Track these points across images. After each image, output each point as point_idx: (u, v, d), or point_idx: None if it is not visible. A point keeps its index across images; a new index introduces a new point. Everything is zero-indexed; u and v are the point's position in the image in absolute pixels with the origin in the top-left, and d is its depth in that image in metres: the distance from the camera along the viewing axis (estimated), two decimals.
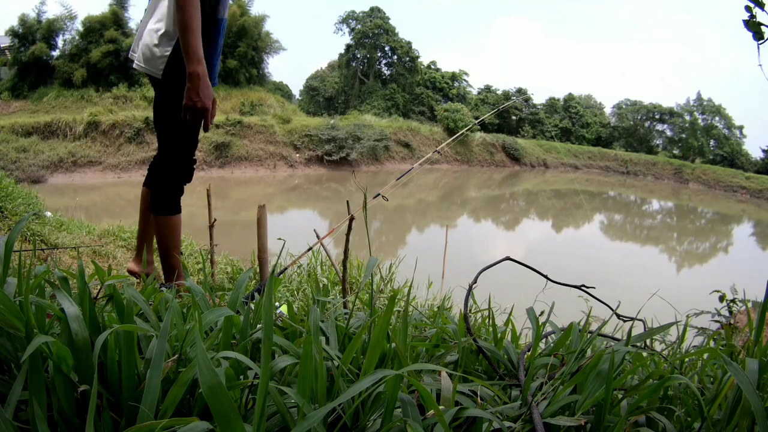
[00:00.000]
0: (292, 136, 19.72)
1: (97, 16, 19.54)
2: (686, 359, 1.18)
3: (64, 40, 19.82)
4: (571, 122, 33.72)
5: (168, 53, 1.88)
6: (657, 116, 34.62)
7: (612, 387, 0.74)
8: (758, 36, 1.32)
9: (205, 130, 1.85)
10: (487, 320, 1.45)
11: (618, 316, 1.35)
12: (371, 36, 30.75)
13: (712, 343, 1.40)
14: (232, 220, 11.24)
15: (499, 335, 1.12)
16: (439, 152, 2.88)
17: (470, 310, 1.43)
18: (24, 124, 15.73)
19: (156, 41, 1.90)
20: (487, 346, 1.01)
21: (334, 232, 2.32)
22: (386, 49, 30.96)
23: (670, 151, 34.58)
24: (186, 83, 1.75)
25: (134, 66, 2.00)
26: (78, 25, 19.71)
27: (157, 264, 2.20)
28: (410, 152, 22.81)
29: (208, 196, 2.36)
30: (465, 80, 34.11)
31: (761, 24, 1.31)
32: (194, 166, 2.12)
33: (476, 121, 3.34)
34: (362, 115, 24.87)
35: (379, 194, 2.50)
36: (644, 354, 1.10)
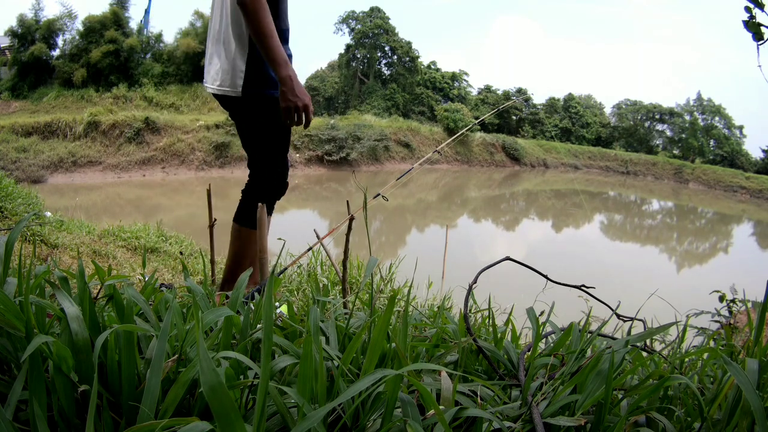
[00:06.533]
0: (292, 136, 19.69)
1: (98, 16, 19.53)
2: (686, 359, 1.18)
3: (64, 40, 19.82)
4: (571, 122, 33.71)
5: (243, 69, 1.89)
6: (657, 116, 34.62)
7: (612, 387, 0.74)
8: (758, 37, 1.32)
9: (306, 126, 1.85)
10: (487, 320, 1.45)
11: (618, 316, 1.35)
12: (371, 36, 30.73)
13: (712, 343, 1.40)
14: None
15: (499, 335, 1.12)
16: (439, 152, 2.88)
17: (470, 310, 1.43)
18: (24, 124, 15.72)
19: (227, 61, 1.92)
20: (487, 346, 1.01)
21: (334, 232, 2.32)
22: (386, 49, 30.94)
23: (670, 151, 34.58)
24: (280, 87, 1.76)
25: (210, 92, 2.02)
26: (78, 25, 19.73)
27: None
28: (410, 152, 22.80)
29: (209, 195, 2.36)
30: (465, 80, 34.08)
31: (761, 25, 1.31)
32: (287, 180, 2.16)
33: (476, 121, 3.34)
34: (362, 115, 24.85)
35: (379, 194, 2.50)
36: (644, 354, 1.10)
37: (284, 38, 1.97)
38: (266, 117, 1.96)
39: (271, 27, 1.72)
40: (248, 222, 2.06)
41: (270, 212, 2.18)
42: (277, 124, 1.99)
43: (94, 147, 15.83)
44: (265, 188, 2.09)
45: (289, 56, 2.01)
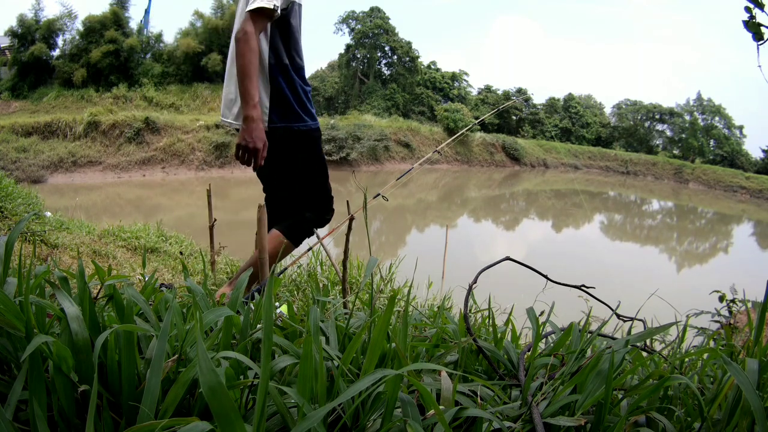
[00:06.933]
0: None
1: (98, 16, 19.53)
2: (686, 359, 1.18)
3: (64, 40, 19.83)
4: (571, 122, 33.71)
5: (267, 105, 1.95)
6: (657, 116, 34.62)
7: (612, 387, 0.74)
8: (758, 37, 1.32)
9: (255, 169, 1.92)
10: (487, 320, 1.45)
11: (618, 316, 1.35)
12: (371, 36, 30.72)
13: (712, 343, 1.40)
14: (232, 220, 11.24)
15: (499, 335, 1.12)
16: (439, 152, 2.88)
17: (470, 310, 1.43)
18: (24, 124, 15.72)
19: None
20: (487, 346, 1.01)
21: (334, 232, 2.32)
22: (386, 49, 30.93)
23: (670, 151, 34.58)
24: (241, 124, 1.83)
25: (231, 127, 2.06)
26: (78, 25, 19.74)
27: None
28: (410, 152, 22.80)
29: (209, 196, 2.36)
30: (465, 80, 34.07)
31: (761, 25, 1.31)
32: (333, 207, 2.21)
33: (476, 121, 3.34)
34: (362, 115, 24.84)
35: (379, 194, 2.50)
36: (644, 354, 1.10)
37: (300, 75, 2.04)
38: (298, 148, 2.01)
39: (254, 69, 1.80)
40: (290, 236, 2.11)
41: (309, 235, 2.22)
42: (309, 153, 2.06)
43: (94, 147, 15.83)
44: (317, 215, 2.14)
45: (309, 90, 2.08)
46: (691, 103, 33.78)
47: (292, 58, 1.99)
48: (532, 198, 20.80)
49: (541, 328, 1.08)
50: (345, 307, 1.46)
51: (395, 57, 30.97)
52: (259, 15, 1.80)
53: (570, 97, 34.63)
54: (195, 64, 20.08)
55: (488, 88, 33.98)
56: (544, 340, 1.25)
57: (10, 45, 19.85)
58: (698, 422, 0.81)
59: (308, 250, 2.35)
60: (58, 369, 0.65)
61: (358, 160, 20.51)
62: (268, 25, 1.91)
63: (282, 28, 1.95)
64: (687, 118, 33.32)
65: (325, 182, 2.16)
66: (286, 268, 2.28)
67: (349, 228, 1.63)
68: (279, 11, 1.84)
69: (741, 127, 33.63)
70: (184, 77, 20.36)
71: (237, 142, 1.84)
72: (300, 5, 2.03)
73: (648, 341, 1.21)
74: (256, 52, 1.80)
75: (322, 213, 2.16)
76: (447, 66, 53.67)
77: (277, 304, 1.52)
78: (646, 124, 35.17)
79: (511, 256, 1.35)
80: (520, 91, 33.81)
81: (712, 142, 33.10)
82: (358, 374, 0.78)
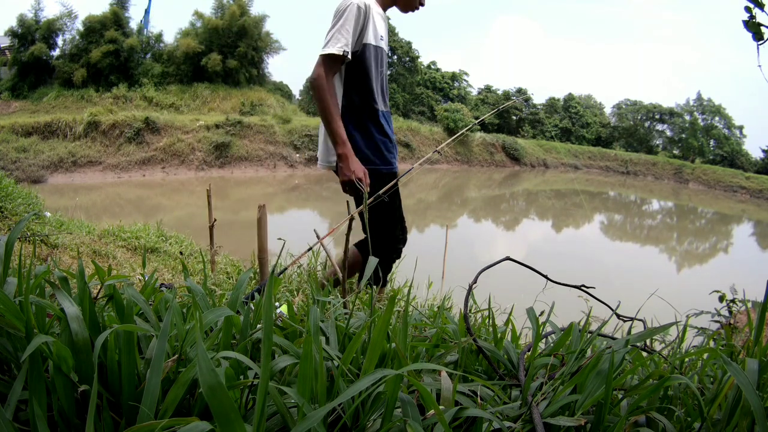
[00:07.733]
0: (292, 136, 19.70)
1: (98, 16, 19.55)
2: (686, 359, 1.18)
3: (64, 40, 19.85)
4: (571, 122, 33.72)
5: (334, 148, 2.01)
6: (657, 116, 34.65)
7: (612, 387, 0.74)
8: (758, 37, 1.32)
9: (363, 194, 1.98)
10: (487, 320, 1.45)
11: (618, 316, 1.35)
12: None
13: (711, 343, 1.41)
14: (232, 220, 11.23)
15: (499, 335, 1.12)
16: (439, 152, 2.87)
17: (470, 310, 1.43)
18: (24, 124, 15.72)
19: (323, 141, 2.08)
20: (487, 346, 1.01)
21: (334, 232, 2.31)
22: None
23: (670, 151, 34.61)
24: (338, 162, 1.93)
25: (320, 167, 2.17)
26: (78, 25, 19.75)
27: None
28: (410, 152, 22.80)
29: (208, 196, 2.36)
30: (465, 80, 34.10)
31: (761, 25, 1.31)
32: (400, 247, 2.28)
33: (476, 121, 3.33)
34: None
35: (379, 194, 2.49)
36: (644, 354, 1.10)
37: (376, 120, 2.03)
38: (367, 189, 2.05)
39: (335, 109, 1.85)
40: (363, 253, 2.21)
41: (387, 271, 2.29)
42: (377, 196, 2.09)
43: (94, 147, 15.83)
44: (375, 252, 2.17)
45: (388, 132, 2.10)
46: (691, 103, 33.84)
47: (366, 101, 1.99)
48: (532, 198, 20.80)
49: (541, 328, 1.08)
50: (345, 307, 1.45)
51: (395, 57, 30.96)
52: (330, 58, 1.83)
53: (570, 97, 34.65)
54: (195, 64, 20.09)
55: (488, 88, 34.01)
56: (544, 340, 1.25)
57: (10, 45, 19.85)
58: (698, 422, 0.81)
59: (308, 250, 2.35)
60: (58, 369, 0.65)
61: None
62: (343, 68, 1.92)
63: (356, 70, 1.94)
64: (687, 118, 33.35)
65: (390, 228, 2.18)
66: (286, 268, 2.27)
67: (349, 228, 1.63)
68: (349, 56, 1.86)
69: (741, 127, 33.67)
70: (184, 77, 20.37)
71: (340, 180, 1.91)
72: (378, 47, 1.99)
73: (648, 341, 1.21)
74: (332, 93, 1.85)
75: (383, 255, 2.18)
76: (447, 66, 53.71)
77: (277, 304, 1.52)
78: (646, 124, 35.19)
79: (511, 256, 1.35)
80: (520, 91, 33.84)
81: (712, 142, 33.13)
82: (358, 374, 0.78)
